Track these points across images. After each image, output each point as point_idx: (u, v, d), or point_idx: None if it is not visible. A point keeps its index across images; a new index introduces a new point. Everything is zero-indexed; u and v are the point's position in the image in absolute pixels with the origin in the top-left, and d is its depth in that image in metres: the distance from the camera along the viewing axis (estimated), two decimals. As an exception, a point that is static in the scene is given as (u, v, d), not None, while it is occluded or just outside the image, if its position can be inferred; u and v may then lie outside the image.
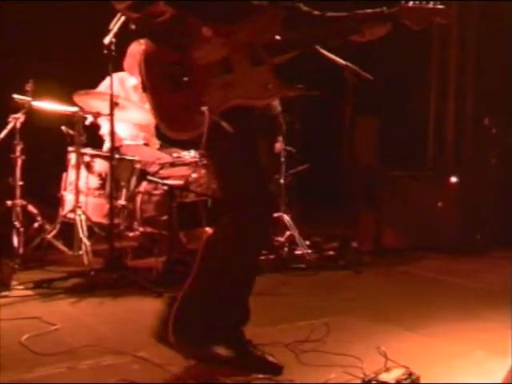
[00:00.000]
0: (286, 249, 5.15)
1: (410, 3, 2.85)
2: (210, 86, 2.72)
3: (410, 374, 2.67)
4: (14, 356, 2.95)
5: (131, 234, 4.87)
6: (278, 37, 2.84)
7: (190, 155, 5.03)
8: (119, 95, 4.92)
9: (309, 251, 5.11)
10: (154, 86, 2.75)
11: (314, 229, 5.77)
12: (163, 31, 2.75)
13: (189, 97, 2.71)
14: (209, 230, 4.93)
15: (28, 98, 4.77)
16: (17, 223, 4.78)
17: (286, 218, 5.19)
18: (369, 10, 2.93)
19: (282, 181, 5.24)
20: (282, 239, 5.20)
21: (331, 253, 5.27)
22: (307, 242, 5.22)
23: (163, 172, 4.87)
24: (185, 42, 2.73)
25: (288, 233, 5.17)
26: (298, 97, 5.24)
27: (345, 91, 4.93)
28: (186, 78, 2.71)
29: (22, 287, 4.14)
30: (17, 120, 4.78)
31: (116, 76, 5.13)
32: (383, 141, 6.87)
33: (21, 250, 4.76)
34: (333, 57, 4.86)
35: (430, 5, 2.86)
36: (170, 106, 2.74)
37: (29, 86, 4.77)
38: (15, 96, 4.77)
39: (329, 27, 2.96)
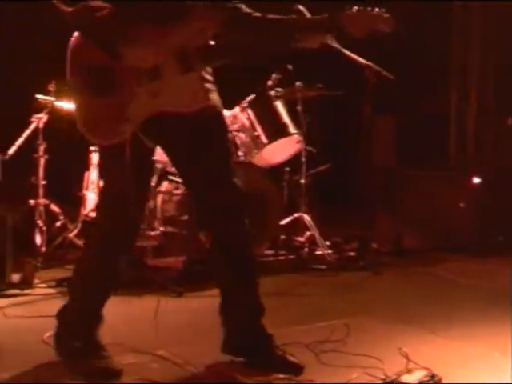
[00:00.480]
0: (306, 249, 5.15)
1: (354, 8, 2.72)
2: (136, 94, 2.62)
3: (433, 376, 2.67)
4: (36, 354, 2.97)
5: (152, 234, 4.88)
6: (212, 42, 2.75)
7: (210, 155, 5.03)
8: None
9: (329, 252, 5.10)
10: (79, 86, 2.67)
11: (335, 229, 5.76)
12: (98, 27, 2.64)
13: (113, 104, 2.62)
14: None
15: (51, 98, 4.82)
16: (39, 222, 4.83)
17: (307, 218, 5.18)
18: (309, 17, 2.87)
19: (302, 181, 5.23)
20: (302, 239, 5.19)
21: (351, 253, 5.27)
22: (327, 243, 5.21)
23: (184, 172, 4.88)
24: (117, 41, 2.62)
25: (308, 233, 5.16)
26: (318, 96, 5.30)
27: (364, 90, 4.91)
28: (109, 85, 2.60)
29: (44, 285, 4.18)
30: (40, 120, 4.83)
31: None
32: (402, 141, 6.85)
33: (43, 249, 4.81)
34: (354, 56, 4.85)
35: (375, 11, 2.73)
36: (93, 110, 2.65)
37: (51, 87, 4.82)
38: (38, 96, 4.83)
39: (267, 33, 2.79)
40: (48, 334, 3.10)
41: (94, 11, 2.62)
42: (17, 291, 3.92)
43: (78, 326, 2.89)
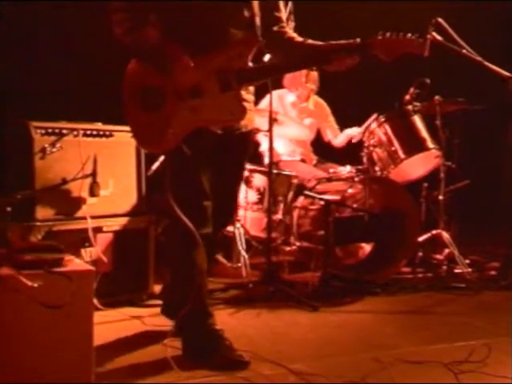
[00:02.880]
0: (444, 267, 5.01)
1: (387, 34, 2.92)
2: (179, 109, 2.89)
3: None
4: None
5: (288, 249, 4.93)
6: (250, 64, 2.98)
7: (346, 170, 5.03)
8: (278, 111, 5.03)
9: (469, 270, 4.93)
10: (130, 103, 2.97)
11: (474, 247, 5.56)
12: (151, 52, 2.94)
13: (158, 117, 2.91)
14: (365, 245, 4.91)
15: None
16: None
17: (445, 235, 5.04)
18: (343, 42, 3.02)
19: (440, 197, 5.10)
20: (440, 257, 5.06)
21: (493, 273, 5.07)
22: (467, 261, 5.04)
23: (320, 187, 4.91)
24: (167, 64, 2.89)
25: (447, 250, 5.02)
26: (458, 111, 5.17)
27: (507, 104, 4.73)
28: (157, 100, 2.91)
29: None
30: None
31: (275, 93, 5.27)
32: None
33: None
34: (496, 69, 4.70)
35: (408, 36, 2.91)
36: (141, 123, 2.96)
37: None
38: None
39: (302, 55, 3.09)
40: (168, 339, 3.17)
41: (149, 39, 2.94)
42: (157, 302, 4.07)
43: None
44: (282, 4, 3.22)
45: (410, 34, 2.92)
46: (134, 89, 2.98)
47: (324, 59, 3.02)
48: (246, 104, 3.04)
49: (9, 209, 2.94)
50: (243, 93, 3.03)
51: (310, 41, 3.12)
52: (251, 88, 3.16)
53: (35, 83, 4.90)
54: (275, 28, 3.17)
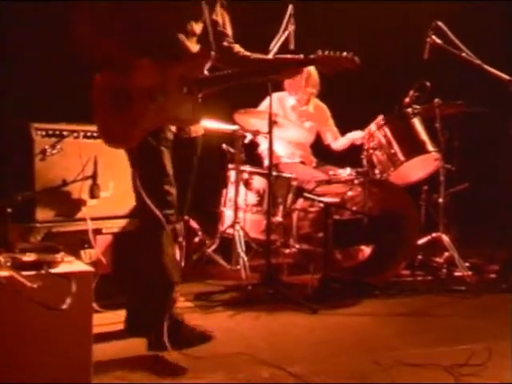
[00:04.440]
0: (444, 270, 5.00)
1: (326, 52, 3.39)
2: (144, 108, 3.12)
3: None
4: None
5: (287, 251, 4.93)
6: (206, 73, 3.27)
7: (346, 173, 5.03)
8: (278, 114, 5.03)
9: (469, 273, 4.93)
10: (99, 106, 3.18)
11: (474, 250, 5.56)
12: (112, 60, 3.15)
13: (125, 117, 3.13)
14: (365, 248, 4.91)
15: (191, 118, 4.98)
16: (179, 238, 4.98)
17: (445, 238, 5.04)
18: (289, 56, 3.56)
19: (440, 200, 5.10)
20: (440, 260, 5.06)
21: (492, 275, 5.06)
22: (467, 264, 5.03)
23: (319, 189, 4.90)
24: (129, 69, 3.12)
25: (447, 253, 5.02)
26: (458, 113, 5.17)
27: (508, 107, 4.74)
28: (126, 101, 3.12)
29: (183, 299, 4.30)
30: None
31: (276, 95, 5.27)
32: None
33: (182, 264, 4.96)
34: (497, 72, 4.71)
35: (343, 54, 3.37)
36: (109, 123, 3.18)
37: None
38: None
39: (254, 67, 3.49)
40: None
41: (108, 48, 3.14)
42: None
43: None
44: (228, 20, 3.51)
45: (345, 53, 3.37)
46: (102, 93, 3.18)
47: (275, 70, 3.53)
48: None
49: (9, 210, 2.94)
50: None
51: (255, 55, 3.51)
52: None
53: (36, 84, 4.90)
54: (224, 43, 3.47)
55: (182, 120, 3.24)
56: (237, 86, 3.43)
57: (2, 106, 4.70)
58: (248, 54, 3.51)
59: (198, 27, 3.30)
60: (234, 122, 5.07)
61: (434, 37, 4.90)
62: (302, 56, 3.47)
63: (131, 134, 3.13)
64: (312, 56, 3.42)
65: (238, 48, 3.51)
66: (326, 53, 3.39)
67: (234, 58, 3.48)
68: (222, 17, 3.47)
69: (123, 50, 3.12)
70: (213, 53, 3.26)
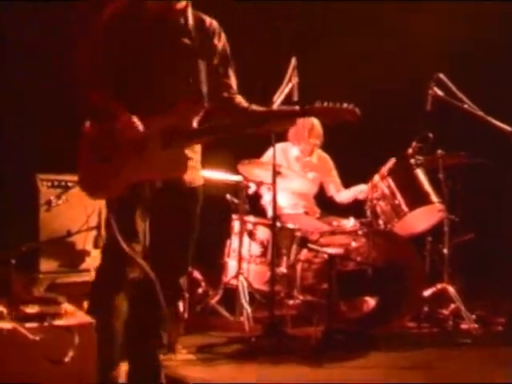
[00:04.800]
0: (450, 322, 4.95)
1: (325, 104, 3.21)
2: (125, 162, 3.10)
3: None
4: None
5: (291, 302, 4.89)
6: (195, 125, 3.21)
7: (349, 224, 5.03)
8: (281, 164, 5.06)
9: (475, 326, 4.87)
10: (83, 156, 3.21)
11: (480, 301, 5.51)
12: (100, 113, 3.18)
13: (107, 168, 3.13)
14: (369, 299, 4.88)
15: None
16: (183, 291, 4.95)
17: (451, 289, 5.00)
18: (284, 108, 3.45)
19: (445, 251, 5.08)
20: (446, 312, 5.01)
21: (499, 328, 5.01)
22: (473, 316, 4.98)
23: (323, 240, 4.89)
24: (113, 122, 3.10)
25: (453, 305, 4.97)
26: (461, 164, 5.19)
27: (509, 158, 4.76)
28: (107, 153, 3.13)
29: (185, 351, 4.26)
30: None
31: (279, 146, 5.31)
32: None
33: (186, 315, 4.92)
34: (498, 124, 4.75)
35: (343, 105, 3.20)
36: (91, 173, 3.19)
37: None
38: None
39: (250, 119, 3.34)
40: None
41: (98, 101, 3.17)
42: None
43: None
44: (231, 72, 3.41)
45: (345, 104, 3.20)
46: (87, 144, 3.21)
47: (260, 123, 3.35)
48: (191, 162, 3.23)
49: (13, 261, 2.94)
50: (188, 151, 3.21)
51: (254, 106, 3.36)
52: (198, 148, 3.34)
53: (42, 135, 4.95)
54: (225, 94, 3.37)
55: (161, 175, 3.17)
56: (240, 136, 3.41)
57: (8, 156, 4.74)
58: (246, 105, 3.40)
59: (191, 77, 3.24)
60: (237, 173, 5.10)
61: (435, 89, 4.95)
62: (298, 108, 3.33)
63: (112, 185, 3.12)
64: (308, 107, 3.28)
65: (238, 99, 3.41)
66: (325, 104, 3.25)
67: (233, 110, 3.39)
68: (223, 63, 3.38)
69: (110, 102, 3.13)
70: (206, 104, 3.22)
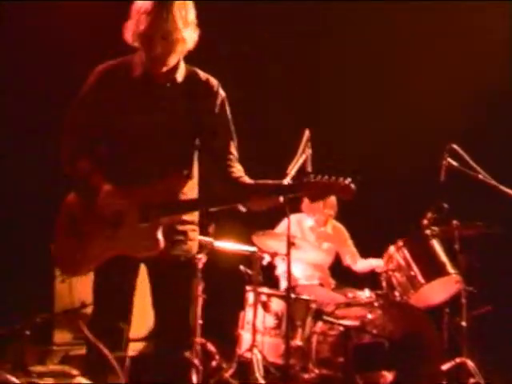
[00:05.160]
0: (470, 397, 4.83)
1: (318, 177, 2.93)
2: (97, 237, 2.98)
3: None
4: None
5: (306, 376, 4.80)
6: (176, 195, 3.03)
7: (365, 295, 4.97)
8: (296, 235, 5.04)
9: (496, 400, 4.75)
10: (59, 230, 3.10)
11: (501, 375, 5.38)
12: (80, 184, 3.08)
13: (78, 243, 3.01)
14: (386, 373, 4.77)
15: (210, 239, 5.00)
16: (196, 361, 4.87)
17: (470, 363, 4.88)
18: (270, 182, 3.01)
19: (463, 323, 4.99)
20: (466, 387, 4.89)
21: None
22: (493, 390, 4.86)
23: (338, 312, 4.84)
24: (91, 195, 3.00)
25: (473, 380, 4.84)
26: (477, 235, 5.15)
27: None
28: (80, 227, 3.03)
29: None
30: (199, 260, 5.00)
31: (294, 217, 5.31)
32: None
33: (199, 389, 4.83)
34: (512, 193, 4.75)
35: (339, 180, 2.92)
36: (64, 248, 3.07)
37: (211, 228, 5.01)
38: (199, 237, 5.03)
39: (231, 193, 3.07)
40: None
41: (80, 171, 3.07)
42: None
43: None
44: (233, 144, 3.18)
45: (341, 179, 2.94)
46: (64, 216, 3.11)
47: (243, 198, 3.04)
48: (178, 236, 3.09)
49: (28, 332, 2.92)
50: (177, 225, 3.08)
51: (246, 180, 3.10)
52: (194, 218, 3.19)
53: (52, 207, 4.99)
54: (222, 164, 3.13)
55: (133, 251, 2.99)
56: (227, 210, 3.08)
57: (24, 227, 4.76)
58: (238, 175, 3.12)
59: (180, 147, 3.11)
60: (251, 244, 5.08)
61: (449, 159, 4.97)
62: (284, 182, 3.09)
63: (78, 261, 3.01)
64: (296, 182, 3.06)
65: (236, 173, 3.13)
66: (319, 177, 2.94)
67: (226, 181, 3.11)
68: (220, 124, 3.15)
69: (92, 174, 3.04)
70: (193, 175, 3.11)
